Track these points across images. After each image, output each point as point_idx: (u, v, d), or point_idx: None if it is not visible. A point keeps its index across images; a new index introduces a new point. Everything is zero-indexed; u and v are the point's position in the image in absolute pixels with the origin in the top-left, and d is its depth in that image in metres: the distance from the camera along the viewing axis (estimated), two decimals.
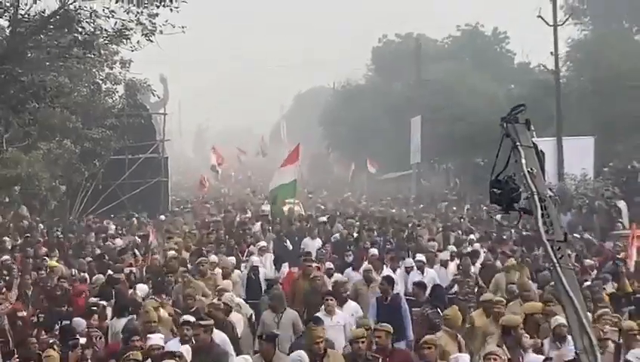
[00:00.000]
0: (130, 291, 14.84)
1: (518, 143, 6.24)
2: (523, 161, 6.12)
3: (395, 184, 59.05)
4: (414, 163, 53.46)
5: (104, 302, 13.63)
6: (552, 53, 33.02)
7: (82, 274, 17.90)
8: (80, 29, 21.78)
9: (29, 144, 29.16)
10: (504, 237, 24.86)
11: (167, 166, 41.04)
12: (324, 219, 27.26)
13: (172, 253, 18.66)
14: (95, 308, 13.06)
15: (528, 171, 6.12)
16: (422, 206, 42.39)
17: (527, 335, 11.17)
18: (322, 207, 37.49)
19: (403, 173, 57.32)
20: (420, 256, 17.91)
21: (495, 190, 6.29)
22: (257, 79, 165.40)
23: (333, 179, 74.54)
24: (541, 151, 6.41)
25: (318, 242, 21.63)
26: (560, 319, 10.99)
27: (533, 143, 6.37)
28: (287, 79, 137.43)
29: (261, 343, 10.78)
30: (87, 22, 21.84)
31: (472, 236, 23.32)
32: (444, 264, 18.02)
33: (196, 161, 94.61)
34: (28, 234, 23.97)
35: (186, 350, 10.52)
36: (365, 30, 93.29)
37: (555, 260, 5.64)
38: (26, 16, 21.75)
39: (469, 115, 46.82)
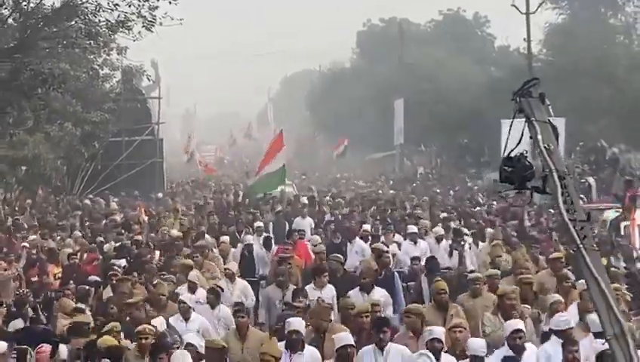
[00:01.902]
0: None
1: (533, 118, 5.94)
2: (539, 136, 5.83)
3: (379, 164, 60.73)
4: (397, 144, 55.28)
5: (123, 262, 15.65)
6: (524, 39, 35.03)
7: (91, 244, 19.12)
8: (86, 21, 23.48)
9: (33, 127, 30.79)
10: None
11: (162, 147, 42.83)
12: (305, 200, 27.33)
13: (175, 232, 19.38)
14: (116, 267, 15.00)
15: (545, 147, 5.80)
16: (415, 185, 43.37)
17: (527, 306, 11.79)
18: (313, 187, 37.60)
19: (387, 154, 59.06)
20: (413, 228, 18.14)
21: (506, 168, 5.99)
22: (245, 63, 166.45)
23: (319, 161, 75.66)
24: (555, 126, 6.06)
25: (309, 221, 21.92)
26: (556, 296, 11.76)
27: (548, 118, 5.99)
28: (274, 63, 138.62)
29: (236, 317, 11.24)
30: (92, 14, 23.53)
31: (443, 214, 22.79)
32: (439, 239, 17.90)
33: (183, 144, 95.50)
34: (17, 217, 25.37)
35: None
36: (350, 15, 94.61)
37: (578, 241, 5.36)
38: (36, 8, 23.42)
39: (450, 97, 48.57)
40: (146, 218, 24.01)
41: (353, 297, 12.47)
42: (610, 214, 22.03)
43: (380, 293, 12.80)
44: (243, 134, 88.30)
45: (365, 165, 62.03)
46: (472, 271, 14.91)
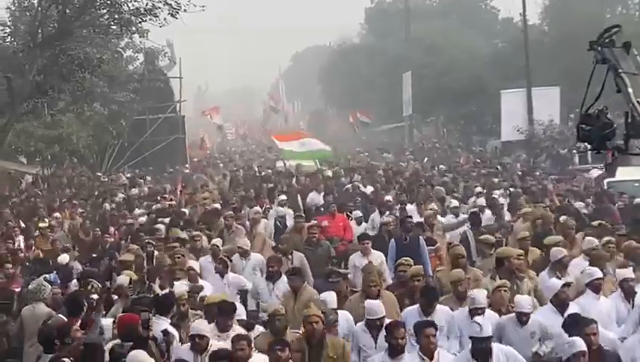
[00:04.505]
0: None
1: (620, 70, 5.23)
2: (630, 90, 5.14)
3: (389, 135, 62.77)
4: (406, 115, 57.19)
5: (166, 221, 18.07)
6: (520, 14, 37.38)
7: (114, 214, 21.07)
8: (118, 9, 25.75)
9: (64, 107, 33.04)
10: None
11: (184, 124, 45.36)
12: (330, 173, 27.20)
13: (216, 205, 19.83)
14: (161, 225, 17.42)
15: (639, 102, 5.05)
16: (426, 159, 44.71)
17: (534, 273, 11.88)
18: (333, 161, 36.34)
19: (396, 125, 60.79)
20: (455, 202, 18.45)
21: (584, 126, 5.40)
22: (256, 41, 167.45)
23: (331, 135, 76.66)
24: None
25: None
26: (563, 250, 11.99)
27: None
28: (284, 40, 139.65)
29: (289, 278, 11.57)
30: (123, 3, 25.80)
31: (478, 188, 22.47)
32: (482, 210, 17.67)
33: (196, 121, 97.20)
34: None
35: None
36: None
37: None
38: None
39: (456, 69, 50.42)
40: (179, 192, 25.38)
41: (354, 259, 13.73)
42: (595, 172, 24.51)
43: (376, 256, 13.66)
44: (266, 108, 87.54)
45: (374, 136, 63.75)
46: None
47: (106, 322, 9.62)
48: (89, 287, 11.58)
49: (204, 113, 50.38)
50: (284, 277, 12.23)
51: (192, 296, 11.19)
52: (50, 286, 11.49)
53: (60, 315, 9.95)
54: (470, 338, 8.70)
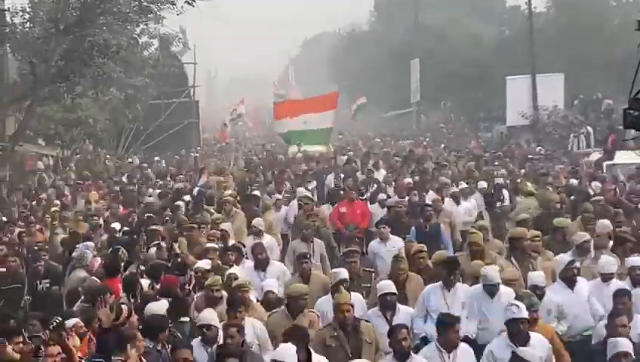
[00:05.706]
0: None
1: None
2: None
3: (397, 121, 63.55)
4: (414, 101, 57.77)
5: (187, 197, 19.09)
6: (526, 2, 38.29)
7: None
8: None
9: (82, 92, 33.96)
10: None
11: (198, 109, 46.44)
12: (344, 159, 27.03)
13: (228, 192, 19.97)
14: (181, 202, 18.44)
15: None
16: (443, 144, 44.94)
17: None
18: (348, 147, 36.97)
19: (404, 111, 61.41)
20: (463, 184, 18.51)
21: (631, 111, 5.01)
22: (265, 27, 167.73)
23: (341, 120, 76.77)
24: None
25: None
26: (585, 235, 11.96)
27: None
28: (294, 28, 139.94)
29: (300, 264, 11.51)
30: None
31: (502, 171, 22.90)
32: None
33: (207, 106, 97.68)
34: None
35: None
36: None
37: None
38: None
39: (463, 56, 51.11)
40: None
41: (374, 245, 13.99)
42: (595, 156, 25.45)
43: (395, 241, 13.79)
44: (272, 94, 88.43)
45: (383, 122, 64.42)
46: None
47: (144, 282, 10.64)
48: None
49: (231, 108, 51.35)
50: (274, 263, 12.44)
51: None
52: (91, 254, 12.52)
53: (93, 278, 11.01)
54: (507, 323, 8.56)
